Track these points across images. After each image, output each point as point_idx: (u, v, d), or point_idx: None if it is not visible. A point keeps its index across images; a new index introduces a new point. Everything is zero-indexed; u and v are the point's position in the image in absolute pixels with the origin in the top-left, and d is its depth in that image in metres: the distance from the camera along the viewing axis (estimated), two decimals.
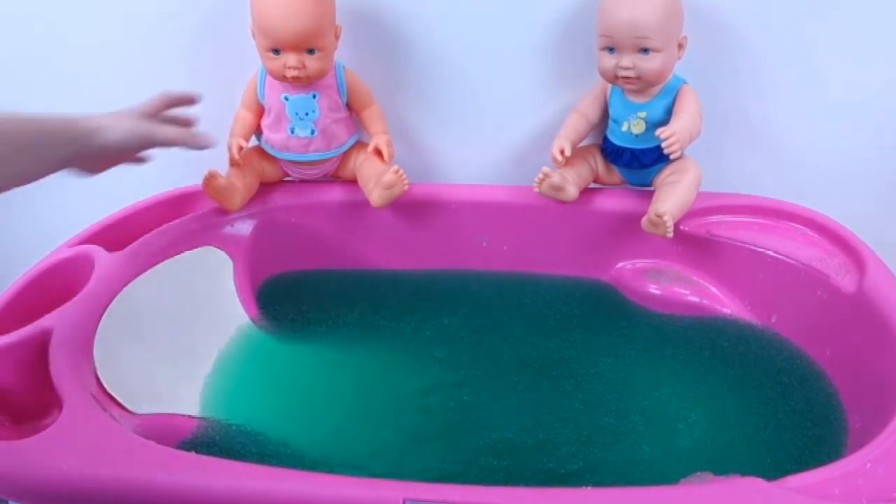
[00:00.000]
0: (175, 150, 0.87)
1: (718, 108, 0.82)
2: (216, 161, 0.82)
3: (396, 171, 0.81)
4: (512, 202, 0.88)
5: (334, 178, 0.91)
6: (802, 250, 0.78)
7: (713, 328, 0.81)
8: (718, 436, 0.68)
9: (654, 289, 0.86)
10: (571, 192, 0.81)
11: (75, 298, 0.67)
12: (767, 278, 0.79)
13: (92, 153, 0.62)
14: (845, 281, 0.73)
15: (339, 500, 0.50)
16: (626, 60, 0.74)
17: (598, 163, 0.86)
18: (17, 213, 1.05)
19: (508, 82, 0.86)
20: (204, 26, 0.85)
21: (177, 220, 0.81)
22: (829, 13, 0.77)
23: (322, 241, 0.91)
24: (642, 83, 0.76)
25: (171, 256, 0.78)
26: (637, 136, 0.80)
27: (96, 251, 0.74)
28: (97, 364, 0.64)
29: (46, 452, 0.53)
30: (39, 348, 0.62)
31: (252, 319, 0.83)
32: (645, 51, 0.73)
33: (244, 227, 0.87)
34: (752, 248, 0.80)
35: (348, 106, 0.86)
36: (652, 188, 0.83)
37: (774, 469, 0.53)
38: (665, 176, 0.81)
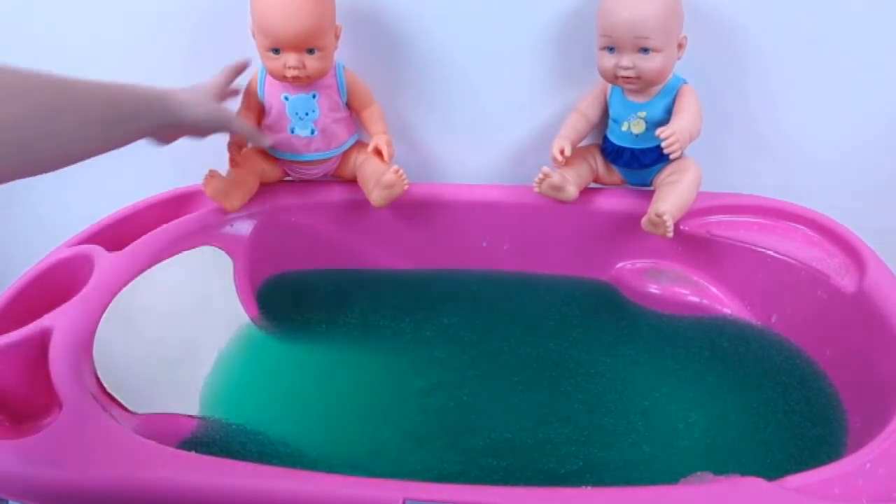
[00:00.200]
0: (175, 150, 0.87)
1: (718, 107, 0.82)
2: (216, 161, 0.82)
3: (396, 171, 0.81)
4: (512, 202, 0.88)
5: (334, 177, 0.91)
6: (802, 250, 0.78)
7: (713, 328, 0.81)
8: (718, 436, 0.68)
9: (654, 289, 0.86)
10: (571, 191, 0.81)
11: (75, 298, 0.67)
12: (767, 278, 0.79)
13: (173, 127, 0.67)
14: (845, 281, 0.73)
15: (338, 499, 0.50)
16: (626, 60, 0.74)
17: (598, 163, 0.86)
18: (17, 212, 1.05)
19: (508, 82, 0.86)
20: (204, 26, 0.85)
21: (177, 220, 0.81)
22: (829, 12, 0.77)
23: (322, 241, 0.91)
24: (642, 83, 0.76)
25: (171, 256, 0.78)
26: (637, 135, 0.80)
27: (96, 251, 0.74)
28: (97, 364, 0.64)
29: (46, 452, 0.53)
30: (39, 348, 0.62)
31: (252, 319, 0.83)
32: (645, 50, 0.73)
33: (244, 227, 0.87)
34: (752, 248, 0.80)
35: (348, 106, 0.86)
36: (652, 188, 0.83)
37: (774, 469, 0.53)
38: (665, 176, 0.81)
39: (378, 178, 0.82)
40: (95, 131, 0.55)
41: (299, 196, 0.89)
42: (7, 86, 0.47)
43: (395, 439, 0.70)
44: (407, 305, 0.87)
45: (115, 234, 0.79)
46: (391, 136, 0.86)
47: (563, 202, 0.83)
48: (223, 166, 0.83)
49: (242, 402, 0.73)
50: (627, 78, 0.75)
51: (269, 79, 0.82)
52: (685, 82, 0.78)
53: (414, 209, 0.89)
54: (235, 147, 0.83)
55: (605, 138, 0.84)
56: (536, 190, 0.82)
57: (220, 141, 0.83)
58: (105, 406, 0.61)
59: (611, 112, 0.82)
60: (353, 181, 0.89)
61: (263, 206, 0.88)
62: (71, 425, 0.56)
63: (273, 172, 0.88)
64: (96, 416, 0.57)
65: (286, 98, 0.81)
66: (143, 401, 0.66)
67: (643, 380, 0.75)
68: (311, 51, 0.77)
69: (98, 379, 0.63)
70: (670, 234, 0.75)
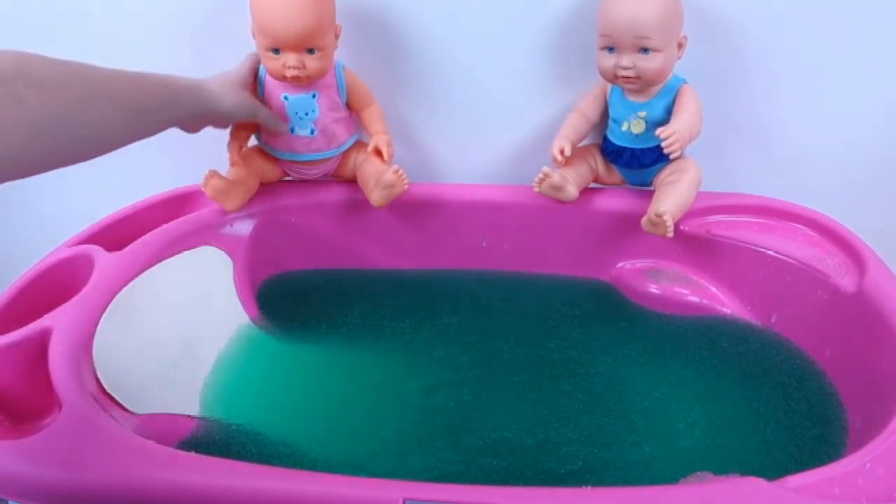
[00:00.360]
0: (175, 150, 0.87)
1: (719, 107, 0.82)
2: (216, 161, 0.82)
3: (397, 171, 0.81)
4: (512, 202, 0.88)
5: (334, 177, 0.91)
6: (802, 250, 0.78)
7: (713, 328, 0.81)
8: (718, 436, 0.68)
9: (654, 289, 0.86)
10: (571, 191, 0.81)
11: (75, 298, 0.67)
12: (767, 278, 0.79)
13: (204, 116, 0.70)
14: (845, 281, 0.73)
15: (339, 499, 0.50)
16: (626, 60, 0.74)
17: (598, 163, 0.86)
18: (17, 212, 1.05)
19: (508, 82, 0.86)
20: (204, 26, 0.85)
21: (177, 220, 0.81)
22: (829, 12, 0.77)
23: (322, 241, 0.91)
24: (642, 83, 0.76)
25: (171, 256, 0.78)
26: (637, 135, 0.80)
27: (96, 251, 0.73)
28: (97, 364, 0.64)
29: (46, 452, 0.53)
30: (39, 348, 0.62)
31: (252, 319, 0.83)
32: (645, 50, 0.73)
33: (244, 227, 0.87)
34: (753, 247, 0.80)
35: (348, 105, 0.86)
36: (652, 188, 0.83)
37: (774, 469, 0.53)
38: (665, 176, 0.81)
39: (378, 178, 0.82)
40: (130, 121, 0.57)
41: (299, 196, 0.89)
42: (49, 77, 0.48)
43: (395, 439, 0.69)
44: (407, 305, 0.87)
45: (115, 234, 0.79)
46: (391, 136, 0.86)
47: (563, 202, 0.83)
48: (223, 166, 0.83)
49: (242, 402, 0.73)
50: (627, 78, 0.75)
51: (268, 78, 0.82)
52: (685, 82, 0.78)
53: (414, 209, 0.89)
54: (236, 146, 0.83)
55: (605, 138, 0.84)
56: (536, 190, 0.82)
57: (221, 141, 0.83)
58: (105, 406, 0.61)
59: (611, 112, 0.82)
60: (352, 181, 0.89)
61: (263, 206, 0.88)
62: (71, 425, 0.55)
63: (273, 172, 0.88)
64: (96, 416, 0.57)
65: (286, 98, 0.81)
66: (143, 401, 0.66)
67: (643, 380, 0.75)
68: (311, 51, 0.77)
69: (98, 379, 0.63)
70: (670, 234, 0.75)
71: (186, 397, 0.71)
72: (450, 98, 0.88)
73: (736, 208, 0.83)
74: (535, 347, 0.80)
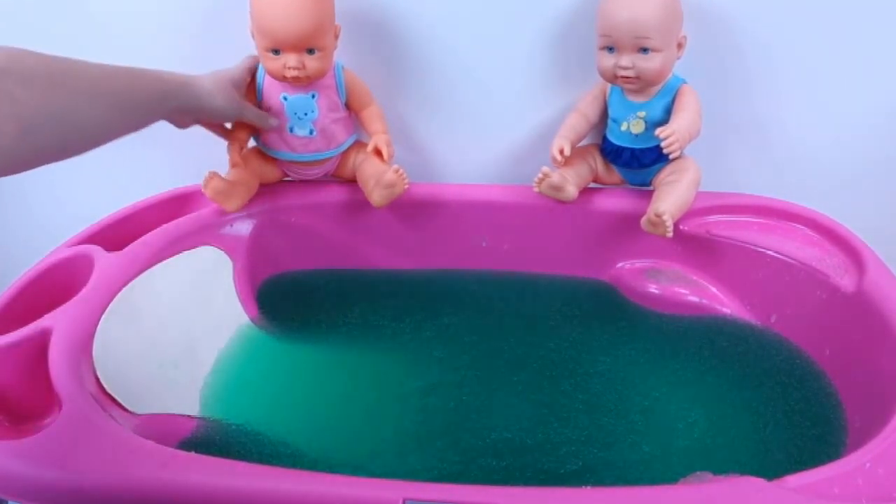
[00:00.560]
0: (175, 150, 0.87)
1: (718, 107, 0.82)
2: (216, 161, 0.82)
3: (397, 171, 0.81)
4: (512, 202, 0.88)
5: (334, 178, 0.91)
6: (802, 250, 0.78)
7: (713, 328, 0.81)
8: (718, 436, 0.68)
9: (653, 289, 0.86)
10: (571, 191, 0.81)
11: (75, 298, 0.67)
12: (767, 278, 0.79)
13: (192, 112, 0.71)
14: (845, 280, 0.73)
15: (338, 499, 0.50)
16: (626, 60, 0.74)
17: (598, 162, 0.86)
18: (17, 213, 1.05)
19: (508, 82, 0.86)
20: (204, 26, 0.85)
21: (177, 220, 0.81)
22: (829, 12, 0.77)
23: (322, 241, 0.91)
24: (642, 83, 0.76)
25: (171, 256, 0.78)
26: (636, 135, 0.80)
27: (96, 251, 0.73)
28: (97, 364, 0.64)
29: (46, 452, 0.53)
30: (39, 348, 0.62)
31: (252, 319, 0.83)
32: (644, 50, 0.73)
33: (244, 227, 0.87)
34: (752, 247, 0.80)
35: (347, 106, 0.85)
36: (651, 188, 0.83)
37: (774, 469, 0.53)
38: (664, 175, 0.81)
39: (379, 178, 0.82)
40: (120, 116, 0.58)
41: (299, 196, 0.89)
42: (40, 74, 0.49)
43: (395, 439, 0.70)
44: (407, 305, 0.87)
45: (115, 234, 0.79)
46: (390, 136, 0.86)
47: (562, 202, 0.83)
48: (223, 166, 0.83)
49: (242, 402, 0.73)
50: (627, 78, 0.75)
51: (267, 79, 0.82)
52: (685, 82, 0.78)
53: (414, 209, 0.89)
54: (236, 147, 0.83)
55: (605, 138, 0.84)
56: (536, 190, 0.82)
57: (220, 141, 0.83)
58: (105, 406, 0.61)
59: (610, 112, 0.82)
60: (352, 181, 0.89)
61: (263, 206, 0.88)
62: (71, 426, 0.55)
63: (272, 173, 0.88)
64: (96, 416, 0.57)
65: (285, 98, 0.81)
66: (143, 401, 0.66)
67: (643, 380, 0.75)
68: (311, 51, 0.76)
69: (98, 379, 0.63)
70: (670, 234, 0.75)
71: (186, 397, 0.71)
72: (450, 98, 0.88)
73: (736, 208, 0.83)
74: (535, 347, 0.80)
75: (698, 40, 0.77)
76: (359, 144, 0.89)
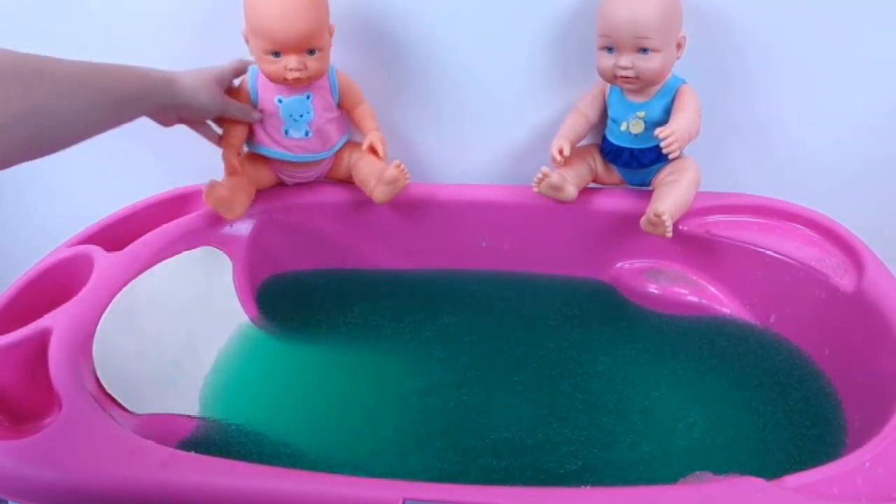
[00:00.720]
0: (175, 150, 0.87)
1: (718, 107, 0.82)
2: (216, 161, 0.82)
3: (398, 166, 0.81)
4: (512, 202, 0.88)
5: (328, 179, 0.90)
6: (802, 250, 0.78)
7: (713, 328, 0.81)
8: (718, 436, 0.68)
9: (653, 289, 0.86)
10: (570, 191, 0.81)
11: (75, 298, 0.67)
12: (767, 278, 0.79)
13: (175, 109, 0.71)
14: (844, 280, 0.73)
15: (338, 499, 0.50)
16: (625, 60, 0.74)
17: (598, 162, 0.86)
18: (17, 213, 1.05)
19: (508, 82, 0.86)
20: (204, 26, 0.85)
21: (177, 220, 0.81)
22: (829, 11, 0.77)
23: (321, 241, 0.91)
24: (641, 83, 0.76)
25: (171, 256, 0.78)
26: (636, 135, 0.80)
27: (96, 251, 0.73)
28: (97, 364, 0.64)
29: (46, 452, 0.53)
30: (39, 348, 0.62)
31: (251, 319, 0.83)
32: (644, 50, 0.73)
33: (244, 227, 0.87)
34: (752, 247, 0.80)
35: (339, 105, 0.85)
36: (651, 188, 0.83)
37: (774, 469, 0.53)
38: (664, 175, 0.81)
39: (379, 175, 0.82)
40: (107, 113, 0.59)
41: (299, 196, 0.89)
42: (17, 73, 0.49)
43: (395, 439, 0.70)
44: (407, 305, 0.87)
45: (115, 234, 0.79)
46: (389, 136, 0.86)
47: (562, 202, 0.83)
48: (222, 167, 0.82)
49: (242, 402, 0.73)
50: (626, 78, 0.75)
51: (261, 82, 0.81)
52: (684, 82, 0.78)
53: (414, 209, 0.89)
54: (233, 153, 0.81)
55: (604, 138, 0.84)
56: (535, 190, 0.82)
57: (217, 147, 0.83)
58: (105, 406, 0.61)
59: (610, 112, 0.82)
60: (349, 181, 0.89)
61: (263, 206, 0.88)
62: (70, 425, 0.56)
63: (268, 179, 0.88)
64: (96, 416, 0.57)
65: (280, 101, 0.81)
66: (143, 401, 0.66)
67: (642, 380, 0.75)
68: (311, 51, 0.76)
69: (98, 379, 0.63)
70: (669, 234, 0.75)
71: (186, 397, 0.71)
72: (450, 98, 0.88)
73: (735, 208, 0.83)
74: (535, 347, 0.80)
75: (698, 40, 0.77)
76: (351, 144, 0.88)
